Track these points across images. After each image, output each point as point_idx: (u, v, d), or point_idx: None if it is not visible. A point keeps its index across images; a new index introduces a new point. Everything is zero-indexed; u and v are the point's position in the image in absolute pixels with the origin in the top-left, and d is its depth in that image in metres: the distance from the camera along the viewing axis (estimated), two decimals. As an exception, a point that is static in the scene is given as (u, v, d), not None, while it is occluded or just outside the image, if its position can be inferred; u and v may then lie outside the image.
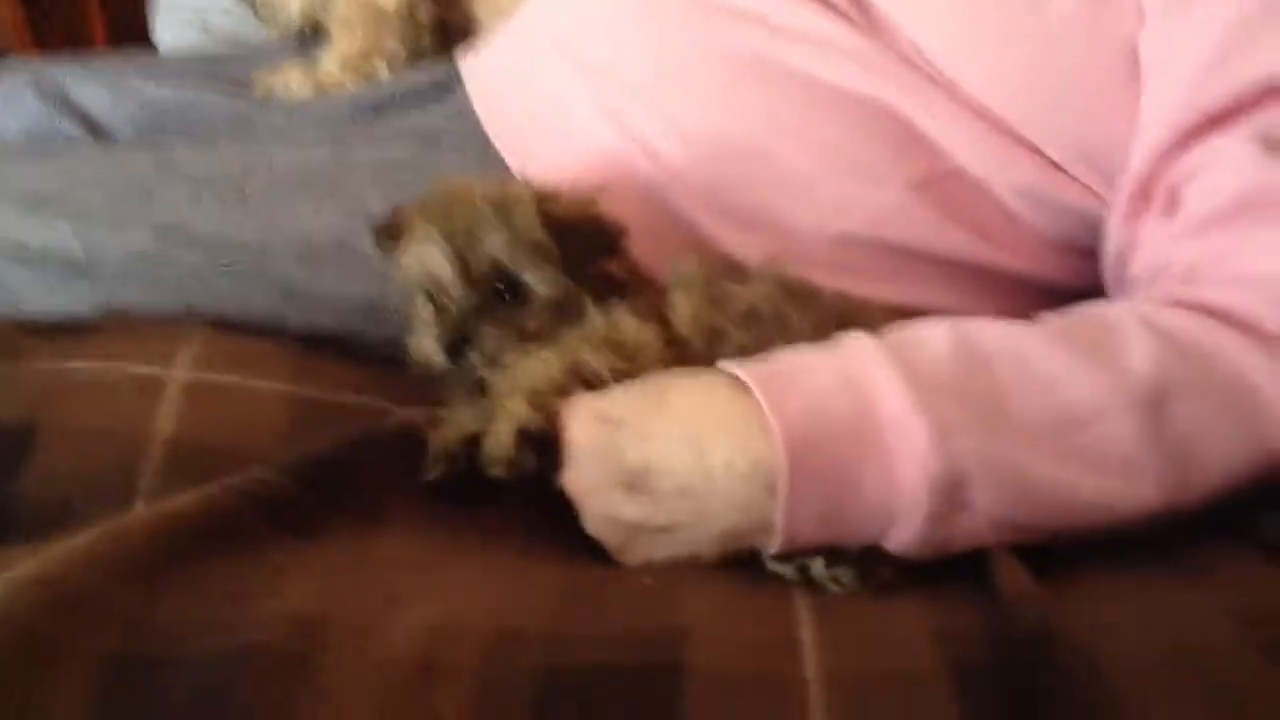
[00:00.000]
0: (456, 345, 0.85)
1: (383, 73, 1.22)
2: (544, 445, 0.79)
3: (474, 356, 0.85)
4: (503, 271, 0.86)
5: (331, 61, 1.24)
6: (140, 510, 0.76)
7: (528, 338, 0.86)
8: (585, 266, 0.89)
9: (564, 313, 0.87)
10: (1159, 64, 0.90)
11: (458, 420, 0.83)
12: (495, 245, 0.86)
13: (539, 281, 0.87)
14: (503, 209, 0.87)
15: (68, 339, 0.92)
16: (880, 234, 0.97)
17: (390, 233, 0.91)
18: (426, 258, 0.87)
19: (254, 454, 0.81)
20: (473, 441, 0.81)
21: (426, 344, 0.87)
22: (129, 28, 2.29)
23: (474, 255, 0.86)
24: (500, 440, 0.79)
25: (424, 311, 0.88)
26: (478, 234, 0.86)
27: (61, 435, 0.81)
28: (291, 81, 1.24)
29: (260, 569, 0.70)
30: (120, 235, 1.01)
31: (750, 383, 0.76)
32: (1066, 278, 1.01)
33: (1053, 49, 0.92)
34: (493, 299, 0.87)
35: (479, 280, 0.86)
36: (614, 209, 0.97)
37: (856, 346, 0.79)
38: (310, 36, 1.37)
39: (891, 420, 0.74)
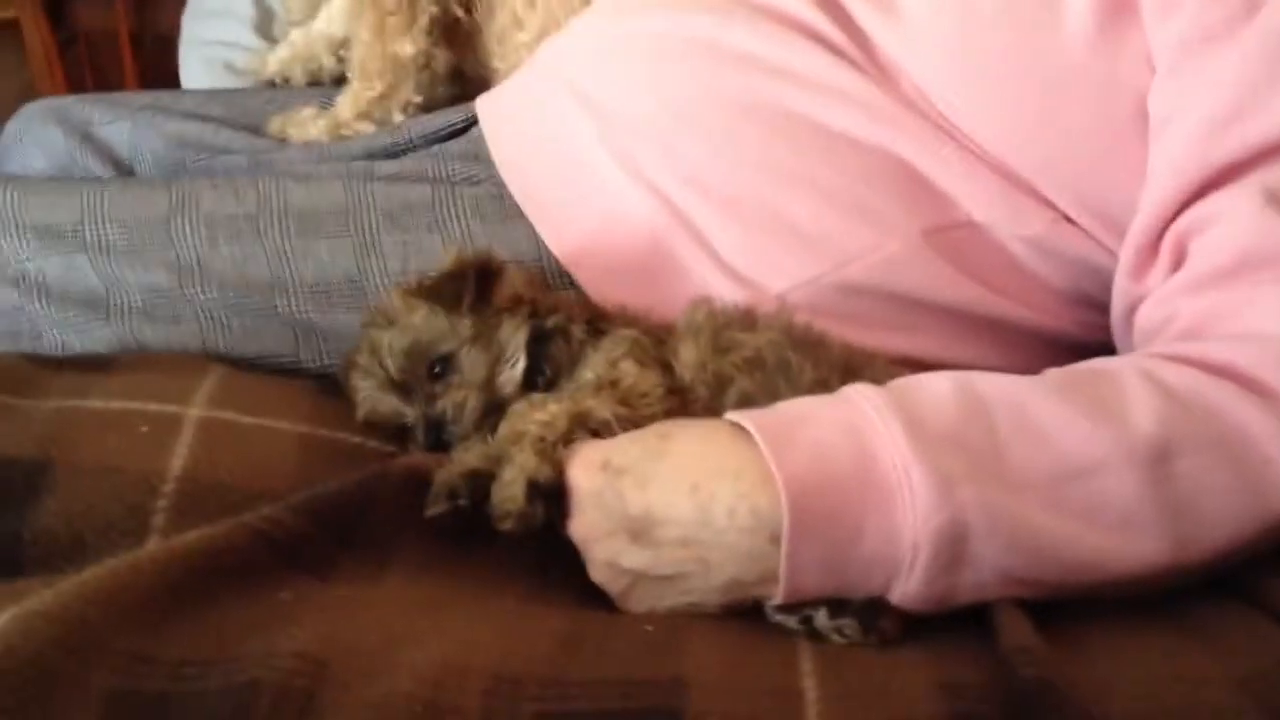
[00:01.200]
0: (435, 439, 0.91)
1: (397, 119, 1.24)
2: (553, 496, 0.80)
3: (451, 430, 0.91)
4: (417, 359, 0.92)
5: (347, 107, 1.26)
6: (152, 546, 0.77)
7: (488, 389, 0.91)
8: (482, 304, 0.93)
9: (491, 349, 0.92)
10: (1168, 118, 0.90)
11: (461, 458, 0.84)
12: (396, 344, 0.92)
13: (445, 339, 0.92)
14: (383, 318, 0.94)
15: (85, 375, 0.93)
16: (889, 283, 0.98)
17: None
18: (370, 401, 0.94)
19: (266, 492, 0.82)
20: (475, 478, 0.82)
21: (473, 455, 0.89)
22: (160, 72, 2.33)
23: (390, 365, 0.92)
24: (511, 492, 0.79)
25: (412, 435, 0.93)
26: (380, 353, 0.92)
27: (76, 471, 0.82)
28: (306, 124, 1.25)
29: (269, 607, 0.71)
30: (139, 272, 1.03)
31: (753, 431, 0.77)
32: (1077, 331, 1.01)
33: (1062, 100, 0.93)
34: (433, 384, 0.92)
35: (410, 380, 0.92)
36: (622, 251, 0.99)
37: (860, 396, 0.79)
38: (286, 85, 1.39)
39: (893, 471, 0.74)
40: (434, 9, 1.24)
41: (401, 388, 0.92)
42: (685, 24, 1.06)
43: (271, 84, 1.37)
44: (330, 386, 1.00)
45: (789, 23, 1.02)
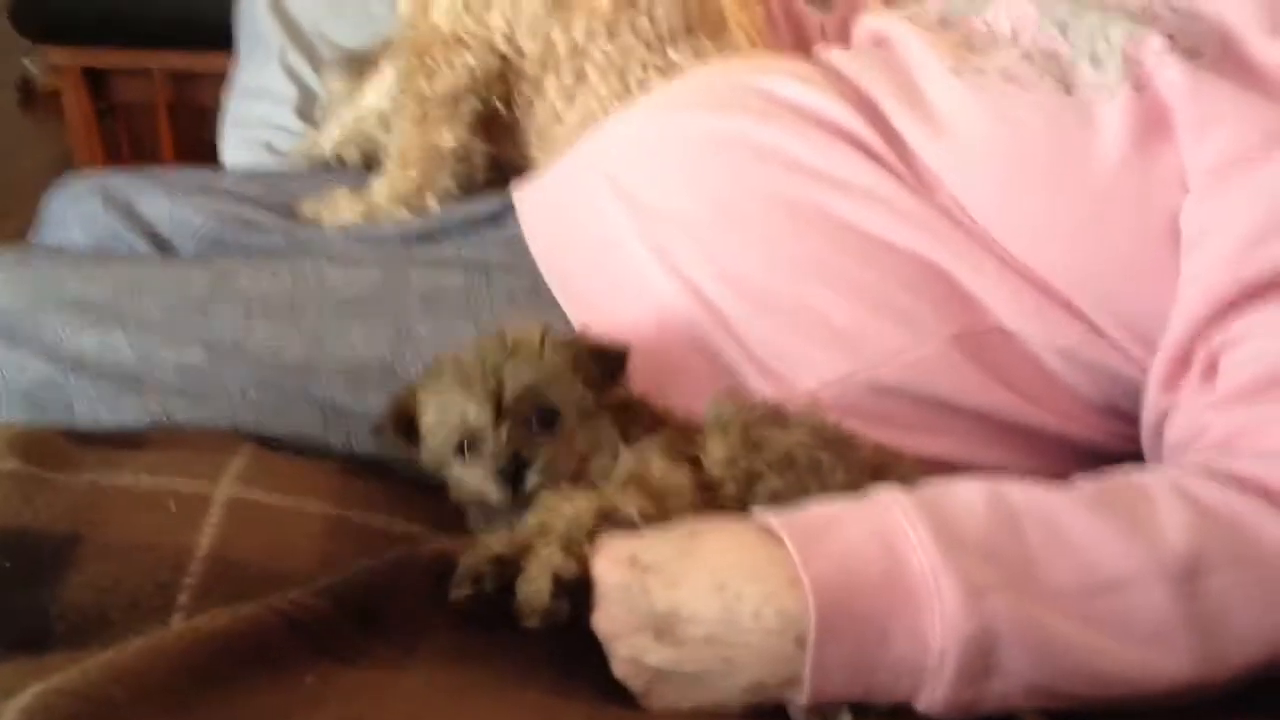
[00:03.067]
0: (512, 472, 0.87)
1: (432, 207, 1.25)
2: (578, 592, 0.80)
3: (531, 477, 0.87)
4: (535, 400, 0.89)
5: (382, 193, 1.27)
6: (176, 626, 0.77)
7: (574, 457, 0.88)
8: (601, 388, 0.92)
9: (594, 434, 0.90)
10: (1200, 235, 0.91)
11: (486, 542, 0.84)
12: (523, 375, 0.89)
13: (569, 403, 0.89)
14: (516, 346, 0.91)
15: (116, 451, 0.94)
16: (920, 386, 0.98)
17: (396, 420, 0.94)
18: (454, 410, 0.89)
19: (292, 575, 0.82)
20: (500, 564, 0.81)
21: (477, 482, 0.88)
22: (196, 145, 2.37)
23: (505, 391, 0.88)
24: (537, 588, 0.79)
25: (466, 460, 0.90)
26: (500, 373, 0.88)
27: (104, 547, 0.82)
28: (340, 208, 1.27)
29: (294, 691, 0.71)
30: (174, 349, 1.03)
31: (782, 533, 0.77)
32: (1106, 440, 1.01)
33: (1096, 215, 0.94)
34: (527, 431, 0.88)
35: (515, 412, 0.88)
36: (655, 343, 0.99)
37: (890, 500, 0.79)
38: (341, 166, 1.41)
39: (922, 578, 0.74)
40: (476, 103, 1.26)
41: (499, 410, 0.88)
42: (725, 124, 1.07)
43: (326, 165, 1.39)
44: (358, 469, 1.00)
45: (828, 127, 1.04)
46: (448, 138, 1.24)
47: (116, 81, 2.77)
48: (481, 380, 0.89)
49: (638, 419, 0.93)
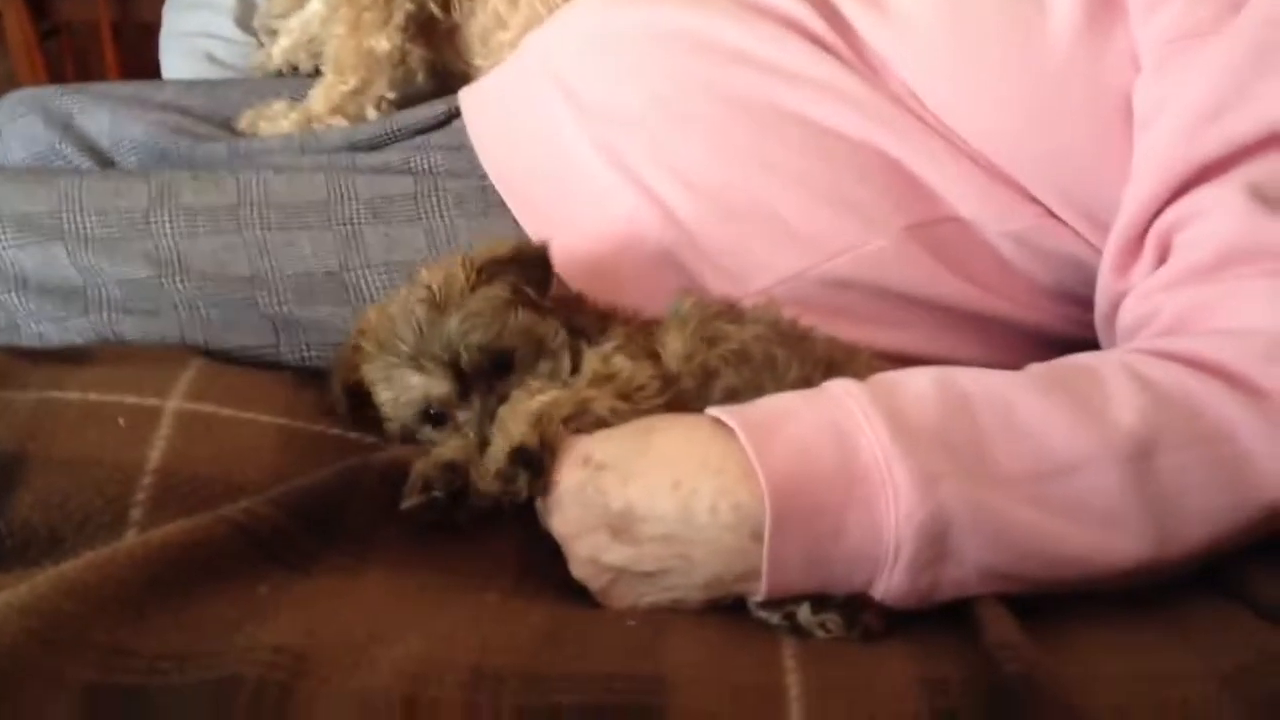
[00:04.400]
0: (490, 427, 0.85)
1: (370, 115, 1.23)
2: (535, 467, 0.79)
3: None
4: (491, 353, 0.87)
5: (320, 101, 1.25)
6: (129, 540, 0.76)
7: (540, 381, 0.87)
8: (539, 298, 0.90)
9: (551, 354, 0.89)
10: (1152, 114, 0.90)
11: (439, 450, 0.83)
12: (472, 334, 0.86)
13: (520, 336, 0.88)
14: (448, 296, 0.87)
15: (62, 367, 0.92)
16: (874, 278, 0.98)
17: (348, 397, 0.92)
18: (412, 387, 0.88)
19: (245, 485, 0.82)
20: (452, 469, 0.80)
21: (456, 447, 0.85)
22: (142, 61, 2.32)
23: (460, 359, 0.86)
24: (495, 456, 0.79)
25: (436, 428, 0.89)
26: (447, 338, 0.86)
27: (53, 464, 0.81)
28: (278, 118, 1.25)
29: (247, 600, 0.71)
30: (117, 264, 1.02)
31: (736, 428, 0.76)
32: (1061, 326, 1.01)
33: (1049, 97, 0.93)
34: (489, 385, 0.87)
35: (476, 375, 0.87)
36: (607, 245, 0.98)
37: (842, 392, 0.79)
38: (294, 73, 1.38)
39: (876, 467, 0.74)
40: (409, 6, 1.23)
41: (460, 378, 0.86)
42: (672, 19, 1.05)
43: (279, 73, 1.36)
44: (309, 379, 0.99)
45: (777, 18, 1.02)
46: (383, 42, 1.23)
47: (58, 1, 2.70)
48: (431, 353, 0.86)
49: (584, 315, 0.92)
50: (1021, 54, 0.94)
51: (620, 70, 1.05)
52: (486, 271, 0.89)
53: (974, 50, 0.96)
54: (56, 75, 2.80)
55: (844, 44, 1.00)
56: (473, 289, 0.88)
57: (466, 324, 0.87)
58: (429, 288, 0.88)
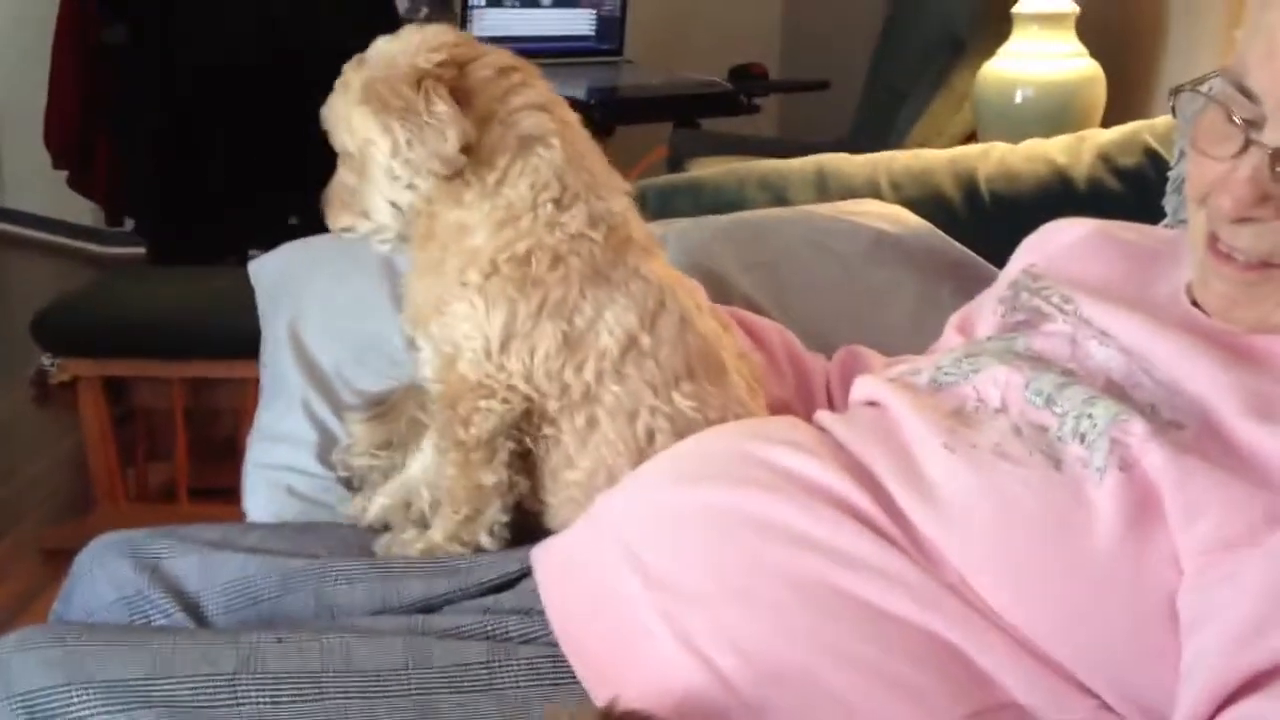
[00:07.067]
0: None
1: (484, 542, 1.34)
2: None
3: None
4: None
5: (439, 532, 1.36)
6: None
7: None
8: None
9: None
10: (1196, 621, 0.94)
11: None
12: None
13: None
14: None
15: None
16: None
17: None
18: None
19: None
20: None
21: None
22: (209, 445, 2.45)
23: None
24: None
25: None
26: None
27: None
28: (408, 546, 1.37)
29: None
30: (204, 731, 1.05)
31: None
32: None
33: (1095, 597, 0.98)
34: None
35: None
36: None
37: None
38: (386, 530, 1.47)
39: None
40: (511, 445, 1.35)
41: None
42: (738, 499, 1.11)
43: (370, 528, 1.46)
44: None
45: (836, 503, 1.08)
46: (489, 477, 1.34)
47: (134, 387, 2.86)
48: None
49: None
50: (1066, 553, 0.99)
51: (687, 547, 1.11)
52: None
53: (1020, 548, 1.01)
54: (127, 457, 2.94)
55: (899, 530, 1.06)
56: None
57: None
58: None
